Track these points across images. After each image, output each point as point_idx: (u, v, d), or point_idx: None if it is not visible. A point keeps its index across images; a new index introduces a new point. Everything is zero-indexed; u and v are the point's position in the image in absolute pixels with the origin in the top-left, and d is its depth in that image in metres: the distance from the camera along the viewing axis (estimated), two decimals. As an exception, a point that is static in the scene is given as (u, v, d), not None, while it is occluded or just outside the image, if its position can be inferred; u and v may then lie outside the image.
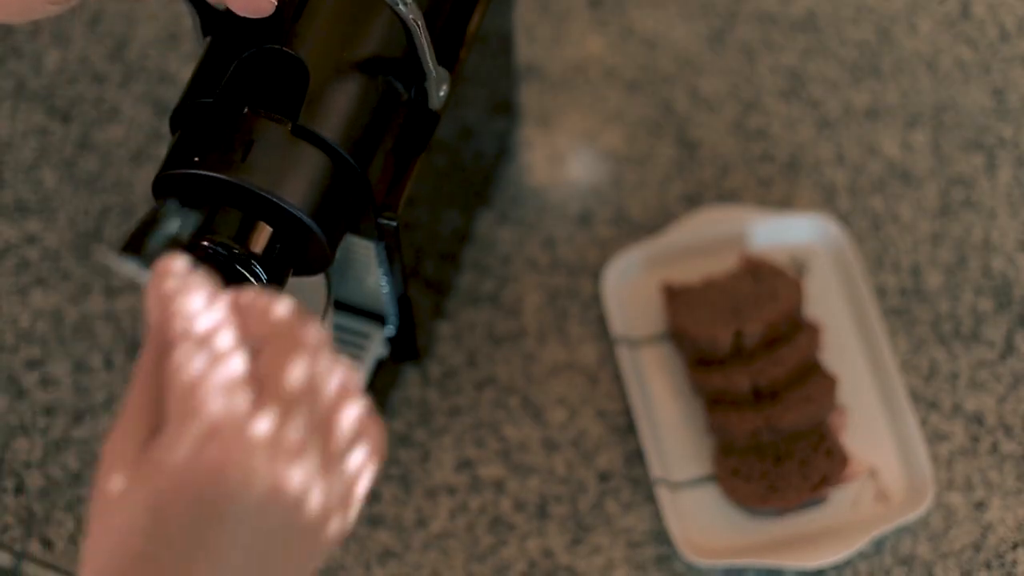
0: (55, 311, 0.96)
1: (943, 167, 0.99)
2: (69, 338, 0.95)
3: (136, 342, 0.95)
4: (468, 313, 0.96)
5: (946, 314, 0.95)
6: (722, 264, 0.96)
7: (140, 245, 0.69)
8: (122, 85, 1.02)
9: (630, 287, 0.96)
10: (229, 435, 0.57)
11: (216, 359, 0.58)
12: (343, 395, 0.61)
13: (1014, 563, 0.89)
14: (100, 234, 0.98)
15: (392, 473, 0.92)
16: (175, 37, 1.03)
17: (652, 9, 1.04)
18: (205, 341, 0.59)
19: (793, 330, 0.92)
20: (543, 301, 0.96)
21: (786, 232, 0.96)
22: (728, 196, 0.99)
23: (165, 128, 1.01)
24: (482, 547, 0.90)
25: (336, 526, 0.61)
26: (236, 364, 0.59)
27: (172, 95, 1.01)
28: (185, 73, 1.02)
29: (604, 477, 0.92)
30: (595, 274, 0.97)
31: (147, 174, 0.99)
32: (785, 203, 0.99)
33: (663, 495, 0.90)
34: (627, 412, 0.93)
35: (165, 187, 0.73)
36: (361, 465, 0.62)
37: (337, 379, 0.61)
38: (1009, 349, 0.94)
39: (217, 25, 0.75)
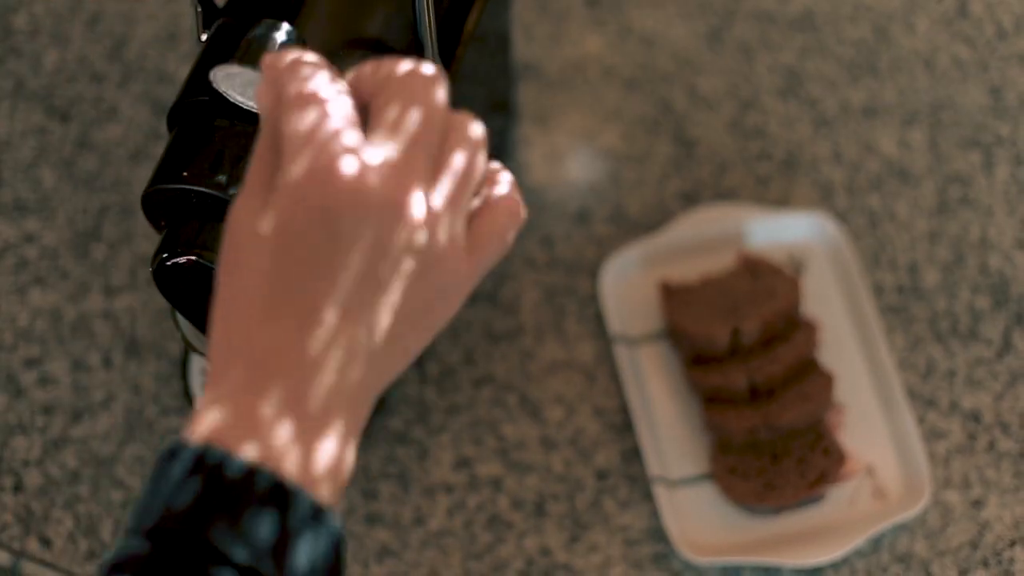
0: (54, 310, 0.96)
1: (940, 165, 0.99)
2: (68, 337, 0.95)
3: (135, 341, 0.95)
4: (466, 311, 0.96)
5: (943, 312, 0.95)
6: (720, 262, 0.96)
7: (256, 56, 0.70)
8: (121, 85, 1.02)
9: (628, 285, 0.96)
10: (341, 148, 0.58)
11: (330, 110, 0.59)
12: (469, 139, 0.61)
13: (1011, 560, 0.89)
14: (99, 233, 0.98)
15: (390, 471, 0.92)
16: (174, 37, 1.04)
17: (650, 8, 1.04)
18: (322, 102, 0.59)
19: (790, 328, 0.92)
20: (541, 299, 0.96)
21: (783, 230, 0.97)
22: (726, 194, 0.99)
23: (164, 127, 1.01)
24: (480, 545, 0.90)
25: (466, 267, 0.60)
26: (348, 106, 0.59)
27: (171, 95, 1.01)
28: (183, 73, 1.02)
29: (602, 475, 0.92)
30: (593, 272, 0.97)
31: (146, 173, 0.99)
32: (782, 201, 0.99)
33: (660, 493, 0.90)
34: (624, 410, 0.93)
35: (155, 201, 0.73)
36: (495, 204, 0.61)
37: (464, 125, 0.61)
38: (1006, 347, 0.94)
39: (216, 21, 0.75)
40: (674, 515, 0.89)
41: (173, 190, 0.72)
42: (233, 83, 0.71)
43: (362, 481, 0.92)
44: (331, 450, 0.57)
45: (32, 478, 0.92)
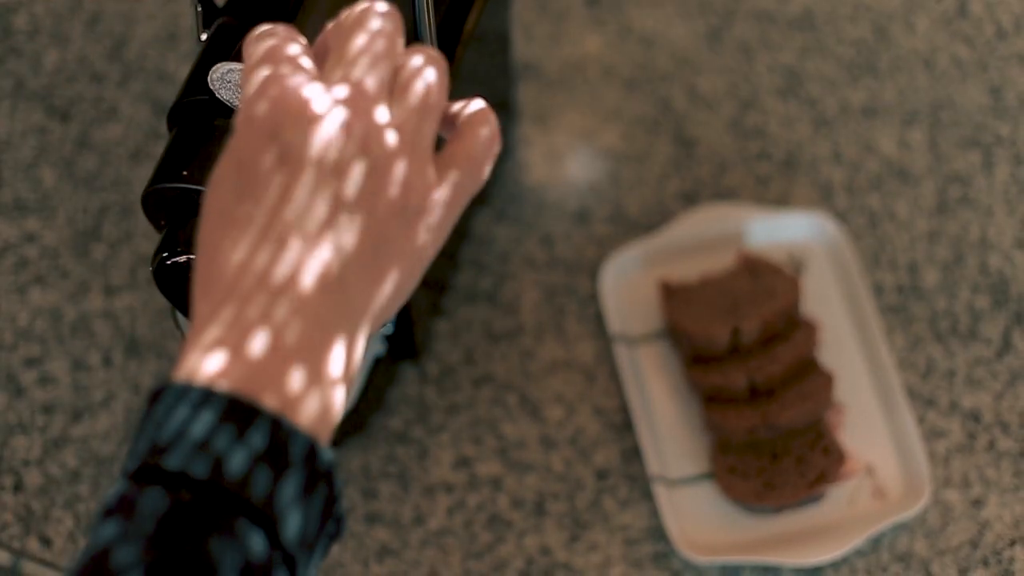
0: (54, 309, 0.96)
1: (940, 165, 1.00)
2: (68, 336, 0.95)
3: (135, 340, 0.95)
4: (466, 311, 0.96)
5: (943, 311, 0.95)
6: (719, 262, 0.96)
7: None
8: (121, 84, 1.02)
9: (628, 285, 0.96)
10: (288, 72, 0.59)
11: (283, 45, 0.61)
12: (423, 64, 0.62)
13: (1011, 560, 0.89)
14: (99, 233, 0.98)
15: (390, 471, 0.92)
16: (174, 37, 1.04)
17: (650, 8, 1.04)
18: (277, 41, 0.62)
19: (790, 327, 0.92)
20: (541, 299, 0.96)
21: (783, 230, 0.97)
22: (726, 194, 0.99)
23: (164, 127, 1.01)
24: (480, 544, 0.90)
25: (438, 189, 0.61)
26: (301, 47, 0.62)
27: (170, 94, 1.01)
28: (183, 72, 1.02)
29: (601, 474, 0.92)
30: (593, 272, 0.97)
31: (146, 172, 0.99)
32: (782, 201, 0.99)
33: (660, 492, 0.90)
34: (624, 409, 0.93)
35: (156, 200, 0.73)
36: (428, 102, 0.61)
37: (418, 52, 0.62)
38: (1006, 346, 0.94)
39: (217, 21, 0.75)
40: (674, 514, 0.89)
41: (173, 189, 0.72)
42: (228, 82, 0.71)
43: (362, 480, 0.92)
44: (319, 386, 0.57)
45: (32, 477, 0.92)
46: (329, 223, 0.58)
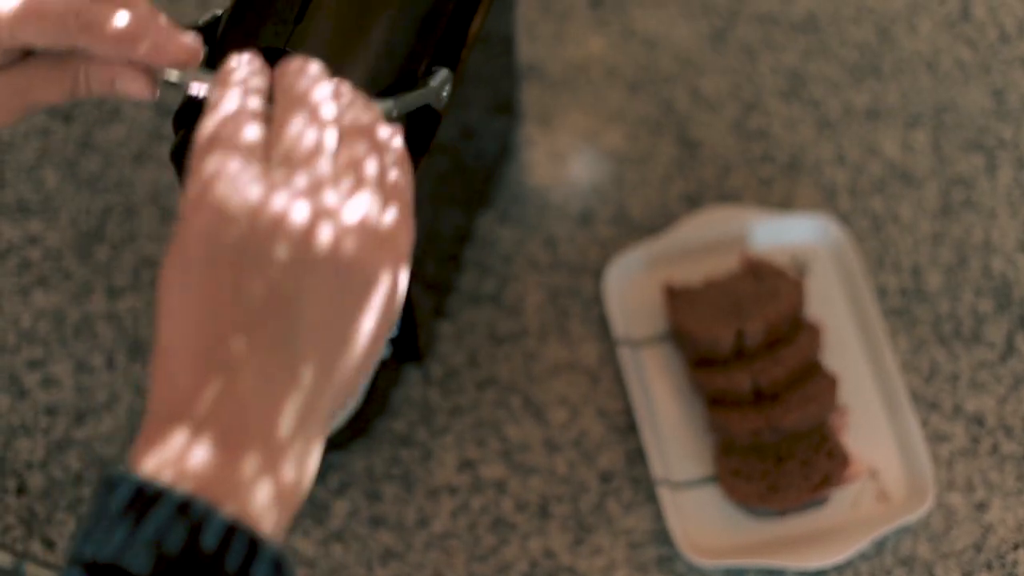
0: (57, 311, 0.96)
1: (943, 168, 1.00)
2: (71, 338, 0.95)
3: (138, 342, 0.95)
4: (469, 313, 0.96)
5: (947, 315, 0.95)
6: (723, 264, 0.96)
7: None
8: (123, 85, 1.02)
9: (631, 287, 0.96)
10: (233, 171, 0.59)
11: (232, 121, 0.61)
12: (364, 138, 0.63)
13: (1015, 564, 0.89)
14: (102, 234, 0.98)
15: (393, 473, 0.92)
16: (176, 37, 1.03)
17: (653, 9, 1.04)
18: (230, 111, 0.62)
19: (794, 330, 0.92)
20: (544, 301, 0.96)
21: (787, 232, 0.97)
22: (729, 196, 0.99)
23: (166, 128, 1.01)
24: (484, 547, 0.90)
25: (360, 258, 0.61)
26: (252, 130, 0.61)
27: (174, 95, 1.01)
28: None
29: (605, 477, 0.92)
30: (596, 274, 0.97)
31: (149, 174, 0.99)
32: (786, 203, 0.99)
33: (664, 495, 0.90)
34: (628, 412, 0.93)
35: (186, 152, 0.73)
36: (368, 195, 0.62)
37: (359, 124, 0.63)
38: (1010, 350, 0.95)
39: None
40: (678, 517, 0.89)
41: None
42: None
43: (365, 483, 0.92)
44: (273, 483, 0.57)
45: (35, 480, 0.92)
46: (282, 328, 0.58)
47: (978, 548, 0.90)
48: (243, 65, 0.65)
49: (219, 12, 0.76)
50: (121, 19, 0.67)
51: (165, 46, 0.68)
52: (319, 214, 0.60)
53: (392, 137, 0.65)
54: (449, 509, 0.91)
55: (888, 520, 0.89)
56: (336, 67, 0.73)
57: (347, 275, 0.60)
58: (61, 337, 0.95)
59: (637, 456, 0.92)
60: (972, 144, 1.00)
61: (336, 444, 0.91)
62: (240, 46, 0.73)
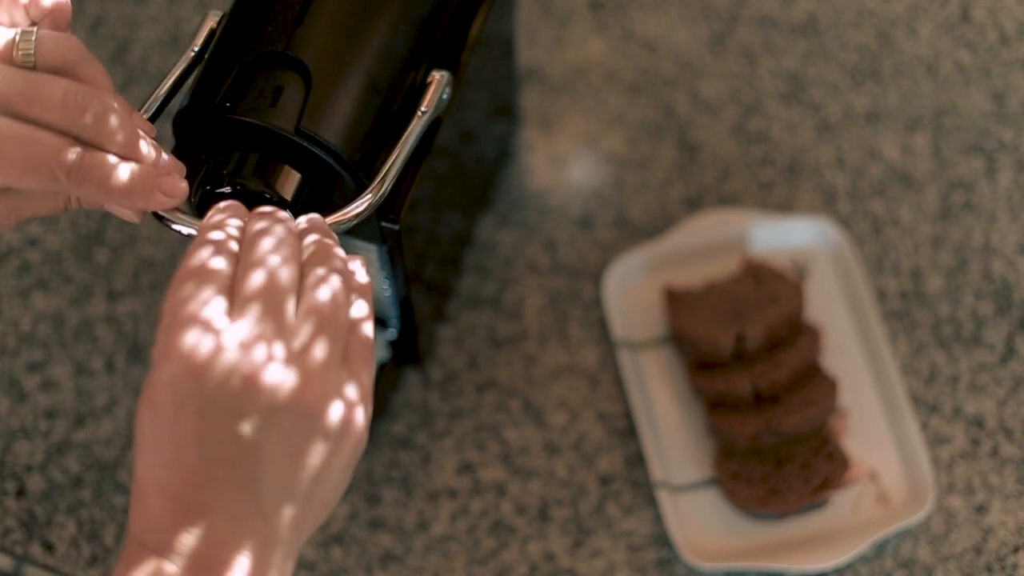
0: (56, 314, 0.96)
1: (943, 171, 1.00)
2: (70, 341, 0.95)
3: (137, 345, 0.95)
4: (469, 316, 0.96)
5: (946, 317, 0.95)
6: (723, 267, 0.96)
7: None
8: (124, 88, 1.02)
9: (631, 290, 0.96)
10: (192, 312, 0.61)
11: (206, 278, 0.62)
12: (326, 291, 0.63)
13: (1015, 566, 0.89)
14: (101, 237, 0.98)
15: (393, 476, 0.92)
16: (176, 40, 1.03)
17: (653, 12, 1.04)
18: (201, 269, 0.63)
19: (794, 333, 0.92)
20: (544, 304, 0.96)
21: (787, 235, 0.97)
22: (729, 199, 0.99)
23: (166, 132, 1.01)
24: (483, 550, 0.90)
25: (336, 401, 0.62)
26: (221, 272, 0.63)
27: (174, 99, 1.01)
28: (186, 76, 1.02)
29: (605, 480, 0.92)
30: (596, 277, 0.97)
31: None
32: (786, 206, 0.99)
33: (664, 498, 0.90)
34: (628, 415, 0.93)
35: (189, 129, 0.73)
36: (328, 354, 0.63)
37: (321, 279, 0.64)
38: (1009, 352, 0.94)
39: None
40: (678, 520, 0.89)
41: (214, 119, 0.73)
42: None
43: (365, 486, 0.92)
44: None
45: (35, 483, 0.92)
46: (238, 460, 0.60)
47: (978, 551, 0.90)
48: (222, 213, 0.67)
49: (214, 23, 0.76)
50: (113, 177, 0.68)
51: (152, 197, 0.69)
52: (282, 362, 0.61)
53: (353, 265, 0.67)
54: (449, 512, 0.91)
55: (888, 523, 0.89)
56: (336, 70, 0.73)
57: (310, 419, 0.61)
58: (61, 340, 0.95)
59: (637, 459, 0.92)
60: (972, 147, 1.00)
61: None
62: (239, 50, 0.73)
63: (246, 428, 0.60)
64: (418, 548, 0.90)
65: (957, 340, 0.95)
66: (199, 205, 0.73)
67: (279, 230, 0.65)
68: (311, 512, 0.62)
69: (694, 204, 0.99)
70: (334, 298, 0.63)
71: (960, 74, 1.02)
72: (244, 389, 0.60)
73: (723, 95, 1.02)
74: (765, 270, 0.94)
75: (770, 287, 0.93)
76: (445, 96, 0.78)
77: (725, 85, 1.02)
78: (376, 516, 0.91)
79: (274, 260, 0.63)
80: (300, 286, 0.63)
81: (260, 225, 0.65)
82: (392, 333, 0.89)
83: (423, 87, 0.76)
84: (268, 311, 0.61)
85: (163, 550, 0.60)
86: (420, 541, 0.90)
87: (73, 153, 0.66)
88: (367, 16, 0.75)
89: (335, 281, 0.64)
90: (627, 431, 0.93)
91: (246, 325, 0.61)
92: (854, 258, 0.95)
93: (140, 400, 0.61)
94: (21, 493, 0.92)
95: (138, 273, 0.97)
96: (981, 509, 0.91)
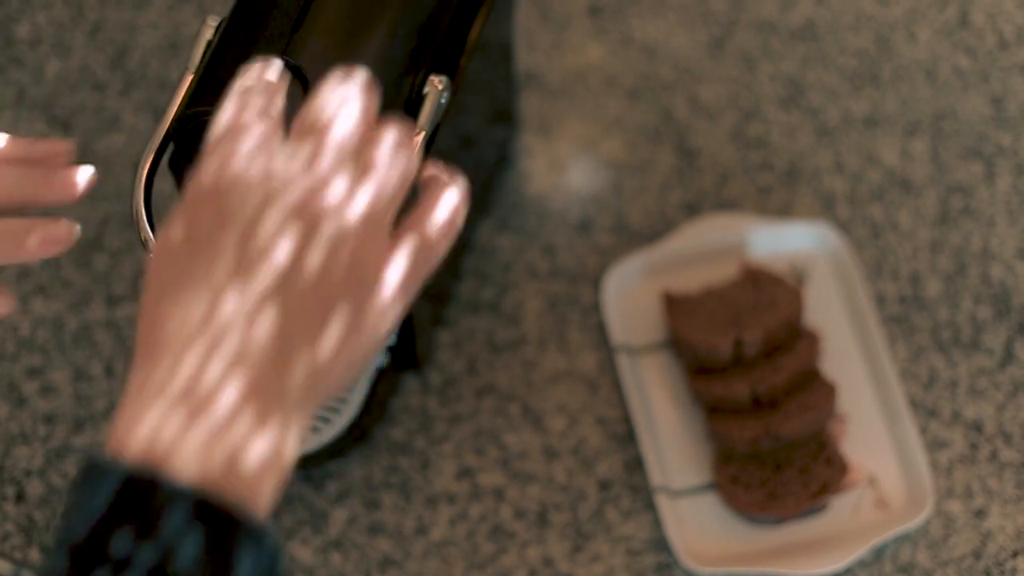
0: (56, 319, 0.96)
1: (942, 175, 1.00)
2: (70, 346, 0.95)
3: (137, 350, 0.95)
4: (468, 321, 0.96)
5: (945, 322, 0.95)
6: (722, 272, 0.96)
7: None
8: (123, 93, 1.02)
9: (630, 295, 0.96)
10: (243, 144, 0.60)
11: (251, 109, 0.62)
12: (385, 140, 0.63)
13: (1014, 571, 0.89)
14: (101, 243, 0.98)
15: (392, 481, 0.92)
16: (175, 46, 1.04)
17: (652, 17, 1.05)
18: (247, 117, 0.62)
19: (793, 338, 0.92)
20: (543, 309, 0.96)
21: (785, 240, 0.97)
22: (728, 204, 0.99)
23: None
24: (482, 555, 0.90)
25: (375, 256, 0.60)
26: (271, 116, 0.62)
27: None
28: (185, 81, 1.02)
29: (604, 485, 0.92)
30: (595, 282, 0.97)
31: (148, 182, 0.99)
32: (784, 211, 0.99)
33: (663, 503, 0.90)
34: (627, 420, 0.93)
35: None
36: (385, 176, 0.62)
37: (382, 130, 0.63)
38: (1008, 357, 0.95)
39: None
40: (676, 525, 0.89)
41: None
42: None
43: (364, 491, 0.92)
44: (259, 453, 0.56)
45: (34, 488, 0.92)
46: (269, 299, 0.58)
47: (977, 555, 0.90)
48: (261, 70, 0.65)
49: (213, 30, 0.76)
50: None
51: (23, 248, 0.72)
52: (342, 205, 0.60)
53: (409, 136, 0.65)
54: (448, 517, 0.91)
55: (887, 527, 0.89)
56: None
57: (357, 274, 0.59)
58: (60, 345, 0.95)
59: (635, 464, 0.92)
60: (971, 152, 1.00)
61: (335, 452, 0.91)
62: (238, 54, 0.73)
63: (303, 249, 0.58)
64: (417, 553, 0.90)
65: (956, 344, 0.95)
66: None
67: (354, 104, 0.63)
68: (359, 344, 0.60)
69: (693, 209, 0.99)
70: (392, 164, 0.62)
71: (959, 79, 1.02)
72: (301, 207, 0.59)
73: (722, 100, 1.02)
74: (764, 275, 0.94)
75: (769, 292, 0.93)
76: (444, 101, 0.78)
77: (724, 90, 1.02)
78: (375, 521, 0.91)
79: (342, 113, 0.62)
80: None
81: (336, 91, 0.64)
82: (390, 338, 0.89)
83: (421, 96, 0.76)
84: (323, 151, 0.61)
85: (181, 393, 0.56)
86: (419, 546, 0.90)
87: None
88: (365, 21, 0.75)
89: (388, 146, 0.62)
90: (626, 436, 0.93)
91: (302, 147, 0.61)
92: (853, 263, 0.95)
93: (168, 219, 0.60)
94: (20, 498, 0.92)
95: (137, 278, 0.97)
96: (980, 513, 0.91)
